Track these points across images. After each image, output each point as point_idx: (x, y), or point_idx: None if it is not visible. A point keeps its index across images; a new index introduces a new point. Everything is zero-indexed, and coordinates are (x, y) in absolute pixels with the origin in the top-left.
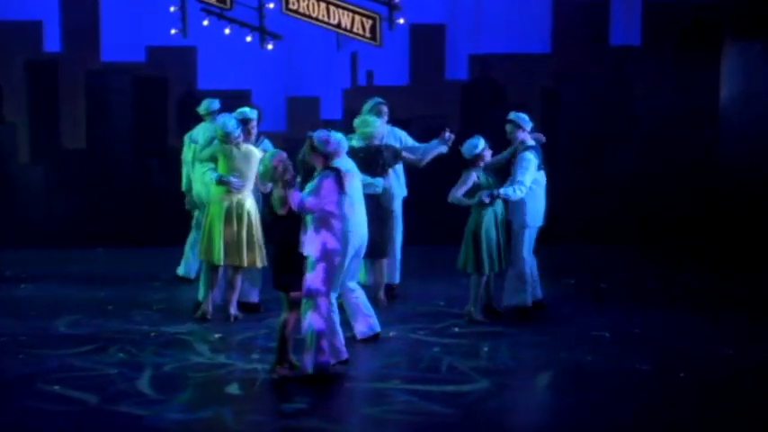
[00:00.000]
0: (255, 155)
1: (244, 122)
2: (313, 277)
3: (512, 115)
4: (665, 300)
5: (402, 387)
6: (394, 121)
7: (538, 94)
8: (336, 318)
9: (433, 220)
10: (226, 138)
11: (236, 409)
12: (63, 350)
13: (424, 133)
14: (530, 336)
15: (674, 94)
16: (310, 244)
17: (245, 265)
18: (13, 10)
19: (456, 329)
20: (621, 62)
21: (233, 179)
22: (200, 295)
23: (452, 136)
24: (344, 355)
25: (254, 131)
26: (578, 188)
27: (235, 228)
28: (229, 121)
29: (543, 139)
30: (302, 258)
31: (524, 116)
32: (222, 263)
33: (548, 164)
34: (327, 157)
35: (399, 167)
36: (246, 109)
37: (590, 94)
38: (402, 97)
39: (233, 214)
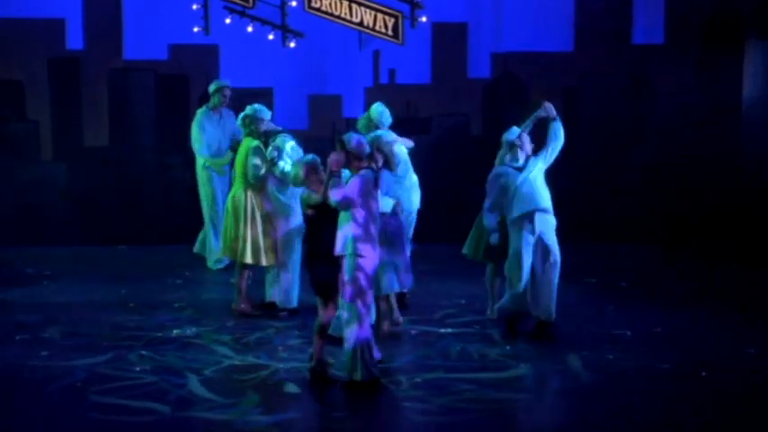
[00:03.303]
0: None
1: None
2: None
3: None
4: (686, 299)
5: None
6: (416, 120)
7: (560, 93)
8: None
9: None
10: None
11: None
12: (89, 352)
13: (445, 132)
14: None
15: (696, 93)
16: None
17: (234, 258)
18: (36, 8)
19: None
20: (644, 61)
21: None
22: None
23: None
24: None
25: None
26: (599, 187)
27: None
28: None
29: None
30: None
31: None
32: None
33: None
34: None
35: (403, 171)
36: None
37: (612, 93)
38: (424, 95)
39: (228, 207)
